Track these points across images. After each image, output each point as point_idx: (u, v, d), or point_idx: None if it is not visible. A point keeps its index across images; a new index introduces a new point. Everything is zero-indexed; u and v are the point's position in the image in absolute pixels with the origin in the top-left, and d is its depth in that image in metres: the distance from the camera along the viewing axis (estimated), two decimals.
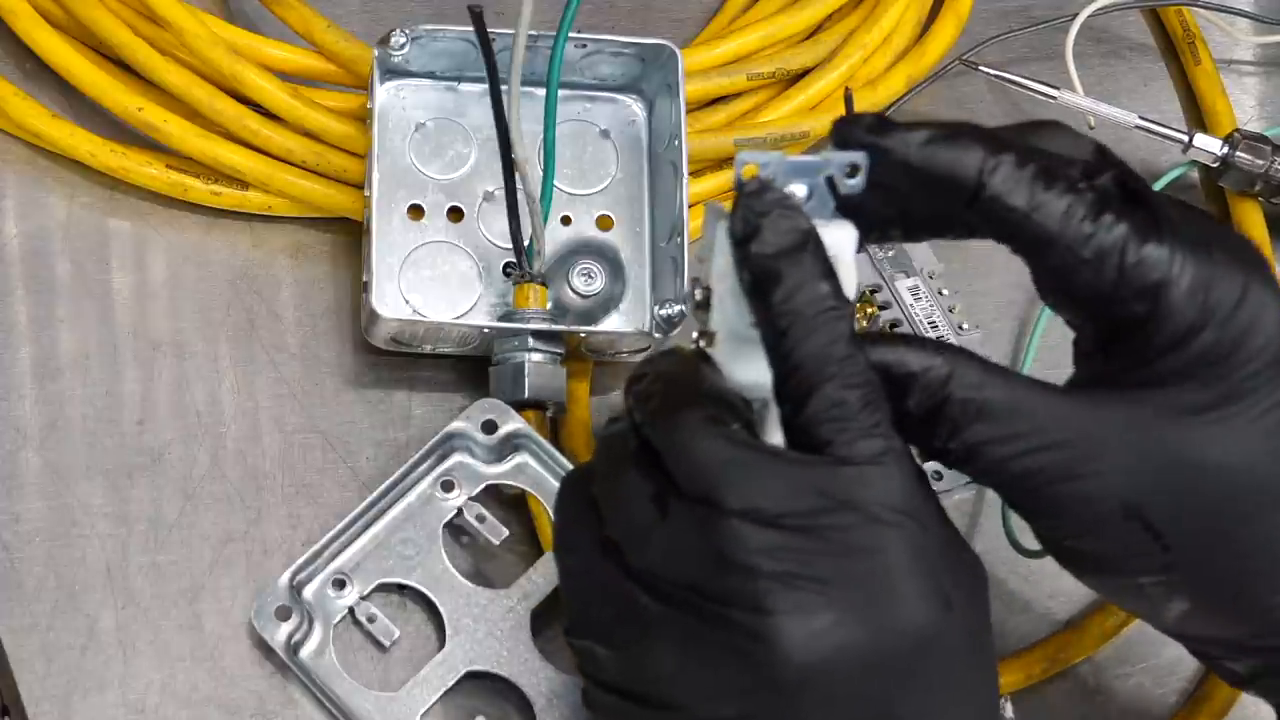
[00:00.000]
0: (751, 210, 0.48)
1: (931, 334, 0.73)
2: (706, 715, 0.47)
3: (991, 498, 0.73)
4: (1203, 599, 0.53)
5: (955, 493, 0.73)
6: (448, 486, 0.68)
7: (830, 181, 0.50)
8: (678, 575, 0.47)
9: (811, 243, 0.48)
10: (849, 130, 0.51)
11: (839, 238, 0.50)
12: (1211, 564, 0.52)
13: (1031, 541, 0.70)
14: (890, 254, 0.75)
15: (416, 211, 0.72)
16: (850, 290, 0.49)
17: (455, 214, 0.72)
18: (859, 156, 0.50)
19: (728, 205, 0.50)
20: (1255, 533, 0.52)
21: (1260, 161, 0.79)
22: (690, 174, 0.73)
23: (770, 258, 0.48)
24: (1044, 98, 0.80)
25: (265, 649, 0.65)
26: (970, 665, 0.49)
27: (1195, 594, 0.53)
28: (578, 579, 0.51)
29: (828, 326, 0.47)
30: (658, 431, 0.49)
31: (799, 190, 0.50)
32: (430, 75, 0.73)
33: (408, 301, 0.70)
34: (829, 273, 0.48)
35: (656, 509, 0.48)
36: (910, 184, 0.51)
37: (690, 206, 0.72)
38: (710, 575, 0.46)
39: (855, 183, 0.50)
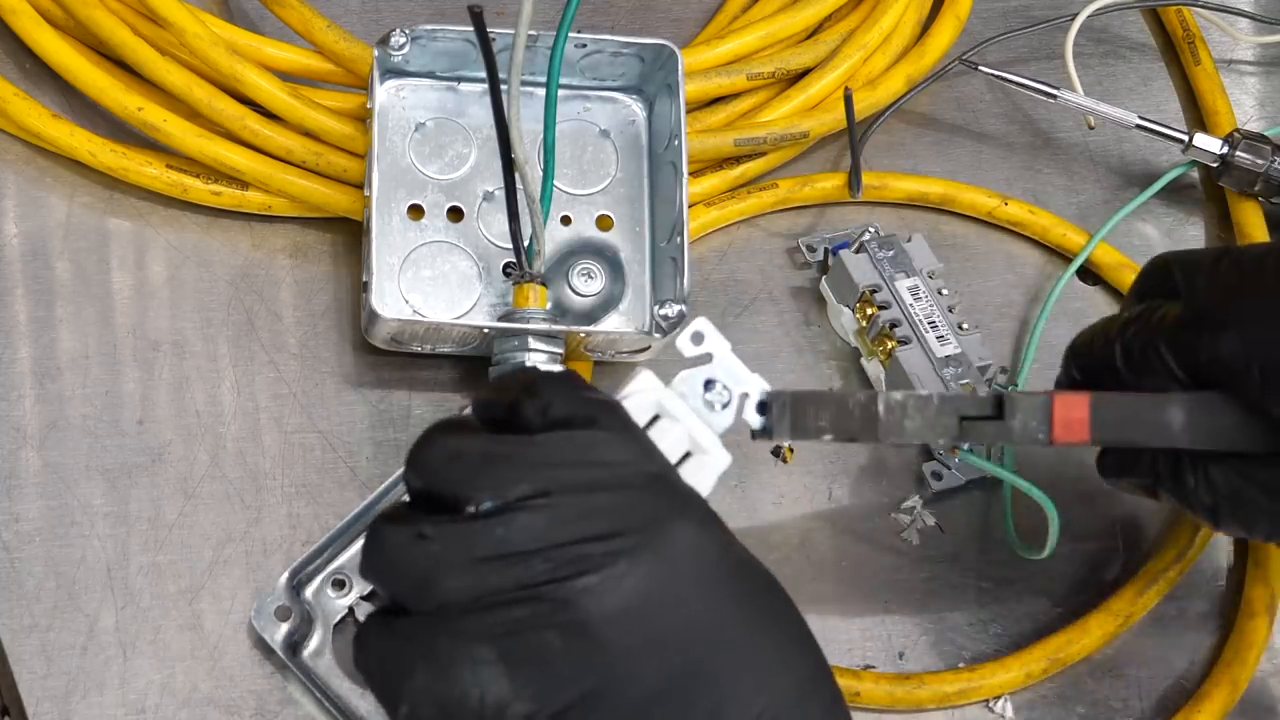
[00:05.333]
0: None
1: (931, 334, 0.73)
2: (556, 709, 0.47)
3: (995, 498, 0.73)
4: None
5: (957, 492, 0.73)
6: None
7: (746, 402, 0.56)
8: (468, 596, 0.47)
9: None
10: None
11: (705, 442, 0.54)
12: None
13: (1031, 541, 0.70)
14: (890, 254, 0.75)
15: (416, 211, 0.72)
16: (705, 488, 0.53)
17: (455, 214, 0.72)
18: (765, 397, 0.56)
19: None
20: None
21: (1260, 161, 0.79)
22: (690, 174, 0.73)
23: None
24: (1044, 97, 0.80)
25: (265, 649, 0.65)
26: (764, 579, 0.51)
27: None
28: (376, 659, 0.50)
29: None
30: (408, 469, 0.50)
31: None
32: (430, 75, 0.73)
33: (408, 301, 0.70)
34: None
35: (422, 550, 0.48)
36: None
37: (690, 206, 0.72)
38: (496, 580, 0.47)
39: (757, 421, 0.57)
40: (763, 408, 0.56)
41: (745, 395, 0.55)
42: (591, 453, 0.49)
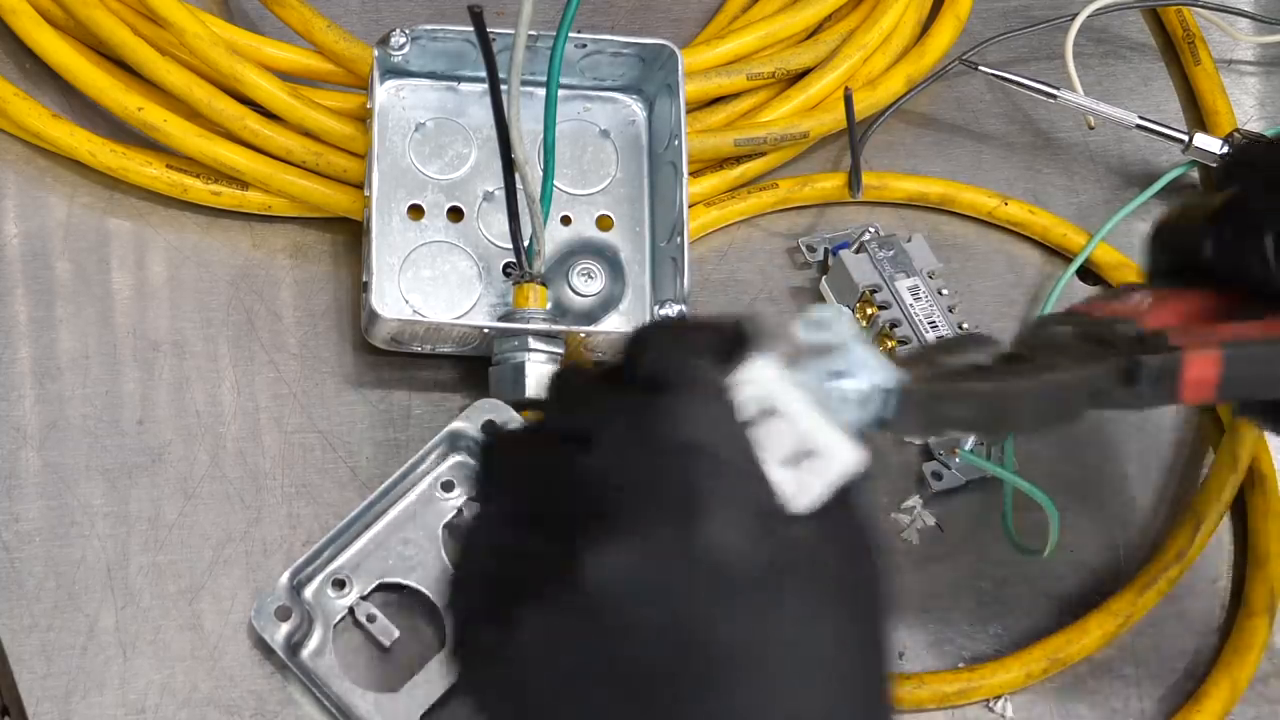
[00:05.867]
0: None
1: (931, 334, 0.73)
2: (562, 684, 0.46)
3: (995, 498, 0.73)
4: None
5: (957, 492, 0.73)
6: (448, 486, 0.68)
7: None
8: (505, 510, 0.48)
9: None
10: None
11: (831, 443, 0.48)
12: None
13: (1031, 541, 0.70)
14: (890, 254, 0.75)
15: (416, 211, 0.72)
16: (804, 500, 0.47)
17: (455, 214, 0.72)
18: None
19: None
20: None
21: None
22: (690, 174, 0.73)
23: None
24: (1044, 98, 0.80)
25: (265, 649, 0.65)
26: (809, 605, 0.47)
27: None
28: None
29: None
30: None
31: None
32: (430, 75, 0.73)
33: (408, 301, 0.70)
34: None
35: (510, 452, 0.50)
36: None
37: (690, 206, 0.72)
38: (531, 504, 0.48)
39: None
40: (904, 402, 0.50)
41: (882, 388, 0.49)
42: (668, 422, 0.46)
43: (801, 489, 0.47)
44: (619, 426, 0.47)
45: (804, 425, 0.47)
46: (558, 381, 0.51)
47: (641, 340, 0.48)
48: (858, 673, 0.47)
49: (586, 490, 0.46)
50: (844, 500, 0.48)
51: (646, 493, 0.46)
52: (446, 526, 0.67)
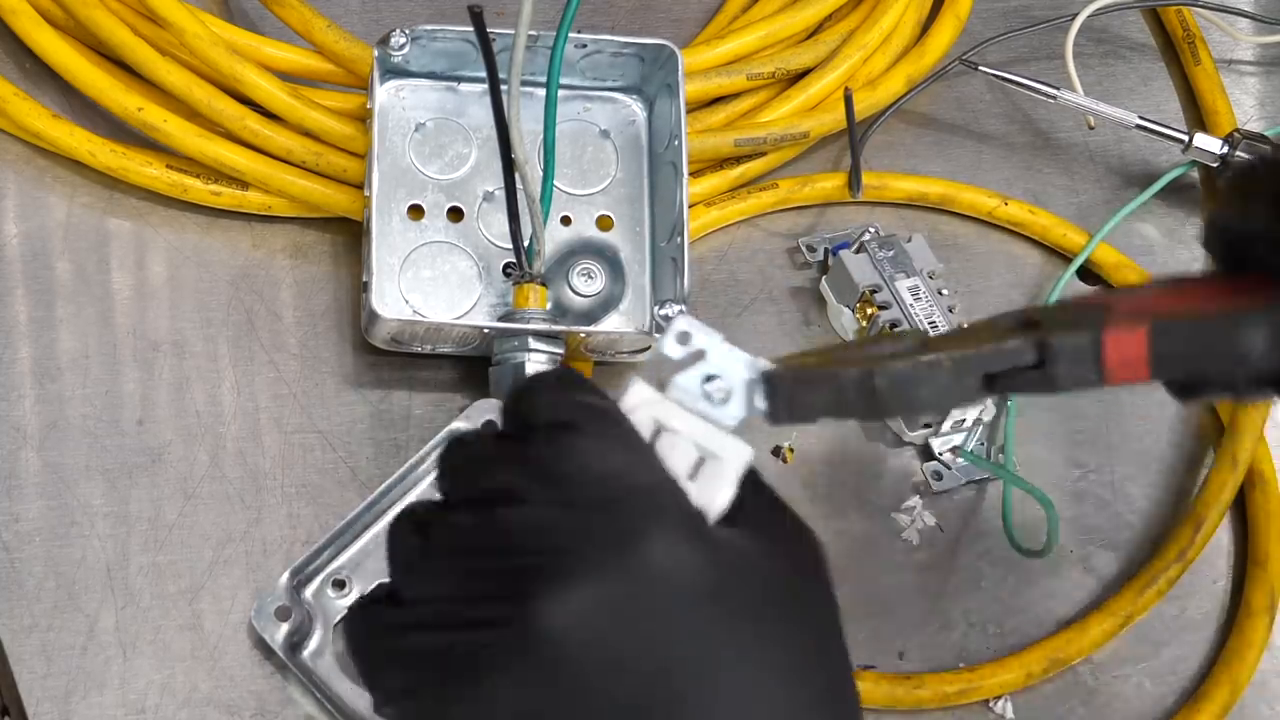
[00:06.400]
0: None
1: (931, 334, 0.73)
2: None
3: (995, 498, 0.73)
4: None
5: (957, 492, 0.73)
6: None
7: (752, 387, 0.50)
8: (434, 591, 0.46)
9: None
10: None
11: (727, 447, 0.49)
12: None
13: (1031, 541, 0.70)
14: (890, 254, 0.75)
15: (416, 211, 0.72)
16: (717, 506, 0.48)
17: (455, 214, 0.72)
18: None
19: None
20: None
21: None
22: (690, 174, 0.73)
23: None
24: (1044, 98, 0.80)
25: (265, 649, 0.65)
26: (763, 611, 0.47)
27: None
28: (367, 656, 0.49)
29: None
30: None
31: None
32: (430, 75, 0.73)
33: (408, 301, 0.70)
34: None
35: (417, 540, 0.47)
36: None
37: (690, 207, 0.72)
38: (461, 579, 0.46)
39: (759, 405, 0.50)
40: (769, 391, 0.50)
41: (750, 380, 0.50)
42: (581, 458, 0.47)
43: (711, 495, 0.48)
44: (536, 475, 0.46)
45: (694, 434, 0.49)
46: (451, 455, 0.49)
47: (529, 391, 0.49)
48: (820, 671, 0.48)
49: (519, 548, 0.45)
50: (765, 502, 0.49)
51: (582, 532, 0.46)
52: None
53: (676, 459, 0.49)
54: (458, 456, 0.49)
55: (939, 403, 0.51)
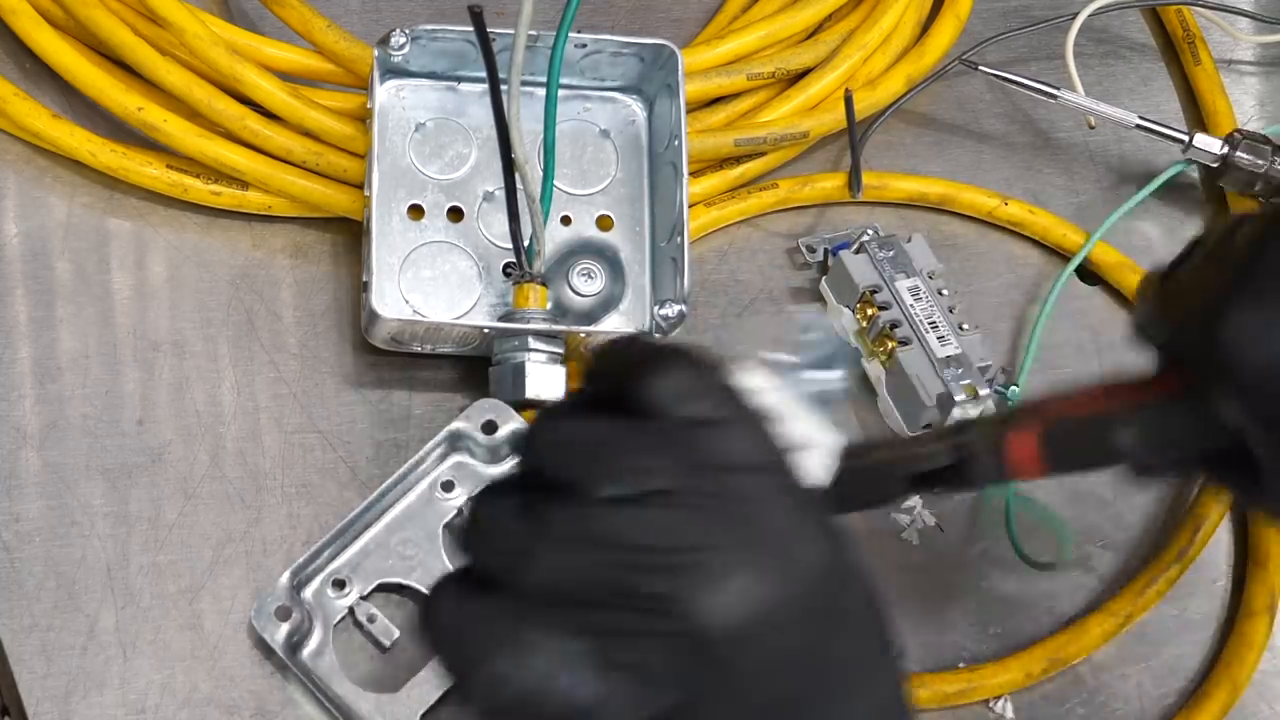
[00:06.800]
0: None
1: (932, 334, 0.73)
2: (645, 717, 0.45)
3: (993, 498, 0.73)
4: None
5: (956, 492, 0.73)
6: (448, 486, 0.68)
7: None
8: (571, 581, 0.44)
9: None
10: None
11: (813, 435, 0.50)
12: None
13: (1035, 551, 0.70)
14: (890, 254, 0.75)
15: (416, 211, 0.72)
16: (822, 478, 0.50)
17: (455, 214, 0.72)
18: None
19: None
20: None
21: (1260, 161, 0.79)
22: (690, 174, 0.73)
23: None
24: (1044, 98, 0.80)
25: (265, 649, 0.65)
26: (870, 596, 0.49)
27: None
28: (453, 634, 0.46)
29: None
30: (525, 449, 0.47)
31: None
32: (430, 75, 0.73)
33: (408, 301, 0.70)
34: None
35: (530, 524, 0.45)
36: None
37: (690, 206, 0.72)
38: (607, 571, 0.44)
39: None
40: None
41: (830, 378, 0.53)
42: (727, 455, 0.46)
43: (816, 479, 0.49)
44: (686, 469, 0.45)
45: (800, 419, 0.49)
46: (548, 429, 0.47)
47: (653, 367, 0.47)
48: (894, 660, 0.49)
49: (672, 546, 0.44)
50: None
51: (741, 532, 0.45)
52: (446, 526, 0.67)
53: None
54: (567, 436, 0.46)
55: (871, 502, 0.57)
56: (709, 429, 0.46)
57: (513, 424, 0.67)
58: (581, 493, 0.45)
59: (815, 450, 0.50)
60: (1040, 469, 0.56)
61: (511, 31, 0.63)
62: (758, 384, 0.49)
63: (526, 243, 0.69)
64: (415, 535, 0.67)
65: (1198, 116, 0.86)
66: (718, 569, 0.44)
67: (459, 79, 0.73)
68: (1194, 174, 0.83)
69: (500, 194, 0.70)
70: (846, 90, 0.78)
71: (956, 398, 0.71)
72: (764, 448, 0.47)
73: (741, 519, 0.45)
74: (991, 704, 0.69)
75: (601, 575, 0.44)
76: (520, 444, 0.47)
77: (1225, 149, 0.79)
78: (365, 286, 0.69)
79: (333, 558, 0.67)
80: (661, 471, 0.45)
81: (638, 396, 0.46)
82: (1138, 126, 0.80)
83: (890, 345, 0.73)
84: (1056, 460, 0.56)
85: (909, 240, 0.76)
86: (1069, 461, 0.57)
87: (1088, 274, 0.80)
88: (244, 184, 0.73)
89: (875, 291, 0.74)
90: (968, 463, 0.56)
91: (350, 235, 0.74)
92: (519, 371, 0.68)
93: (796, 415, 0.49)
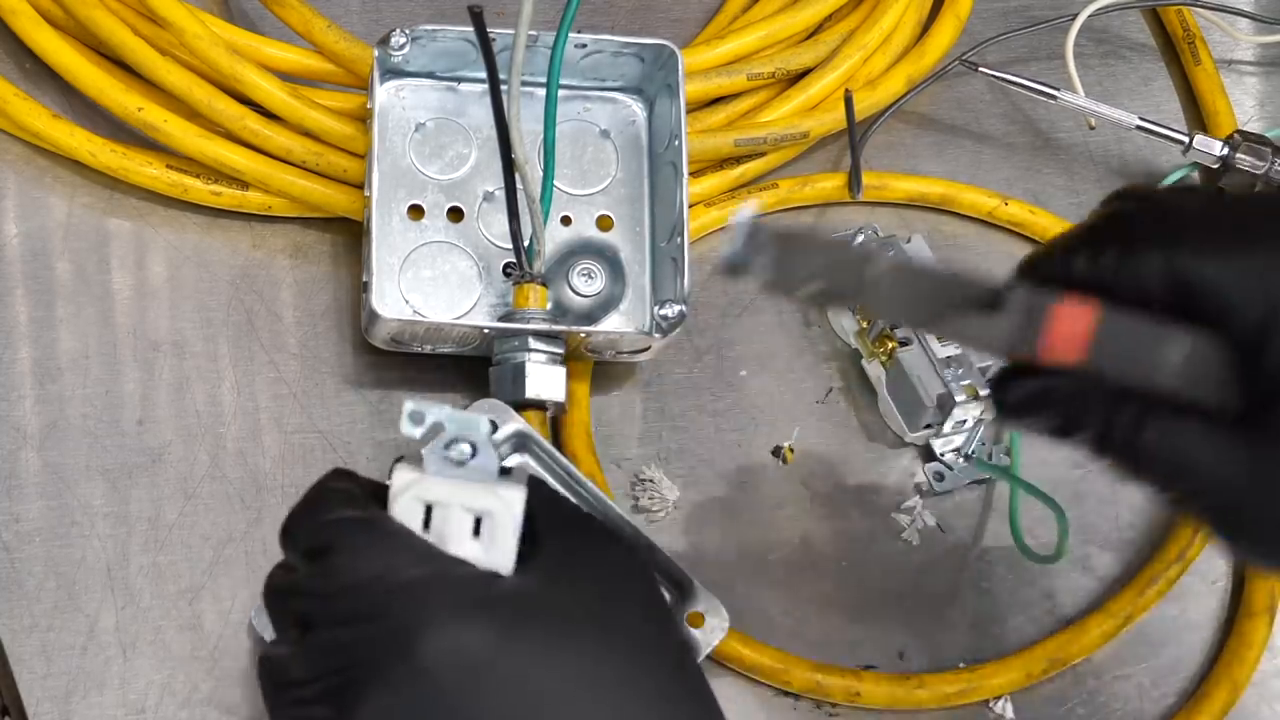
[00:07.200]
0: None
1: (931, 335, 0.73)
2: None
3: (996, 498, 0.73)
4: None
5: (958, 492, 0.73)
6: None
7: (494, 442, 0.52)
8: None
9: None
10: None
11: (497, 501, 0.51)
12: None
13: (1036, 544, 0.70)
14: (890, 254, 0.75)
15: (416, 211, 0.72)
16: (507, 556, 0.51)
17: (455, 214, 0.72)
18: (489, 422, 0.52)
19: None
20: None
21: (1260, 163, 0.79)
22: (690, 174, 0.73)
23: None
24: (1044, 98, 0.80)
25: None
26: (563, 644, 0.49)
27: None
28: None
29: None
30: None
31: (463, 449, 0.51)
32: (430, 75, 0.73)
33: (408, 301, 0.70)
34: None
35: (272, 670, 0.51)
36: None
37: (690, 206, 0.72)
38: (295, 710, 0.49)
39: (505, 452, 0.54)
40: (754, 242, 0.49)
41: (491, 424, 0.52)
42: (331, 581, 0.49)
43: (499, 551, 0.50)
44: (313, 600, 0.49)
45: (461, 500, 0.50)
46: (269, 579, 0.52)
47: (291, 518, 0.52)
48: (644, 679, 0.49)
49: (321, 673, 0.48)
50: (561, 524, 0.51)
51: (363, 644, 0.48)
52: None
53: (454, 529, 0.50)
54: (270, 583, 0.52)
55: (901, 313, 0.55)
56: (326, 558, 0.49)
57: (513, 424, 0.67)
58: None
59: (492, 518, 0.50)
60: (1078, 353, 0.52)
61: (511, 31, 0.64)
62: (402, 484, 0.50)
63: (526, 243, 0.69)
64: None
65: (1198, 117, 0.86)
66: (349, 686, 0.48)
67: (459, 79, 0.73)
68: (1194, 175, 0.83)
69: (500, 194, 0.70)
70: (846, 90, 0.78)
71: (957, 398, 0.71)
72: (379, 554, 0.49)
73: (364, 632, 0.48)
74: (991, 704, 0.69)
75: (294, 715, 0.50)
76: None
77: (1225, 150, 0.79)
78: (365, 286, 0.69)
79: None
80: (297, 606, 0.50)
81: (292, 547, 0.52)
82: (1138, 127, 0.80)
83: (890, 345, 0.73)
84: (1099, 352, 0.52)
85: (909, 241, 0.76)
86: (1110, 358, 0.52)
87: None
88: (244, 184, 0.73)
89: None
90: (1003, 310, 0.53)
91: (350, 235, 0.74)
92: (519, 372, 0.68)
93: (454, 495, 0.50)
